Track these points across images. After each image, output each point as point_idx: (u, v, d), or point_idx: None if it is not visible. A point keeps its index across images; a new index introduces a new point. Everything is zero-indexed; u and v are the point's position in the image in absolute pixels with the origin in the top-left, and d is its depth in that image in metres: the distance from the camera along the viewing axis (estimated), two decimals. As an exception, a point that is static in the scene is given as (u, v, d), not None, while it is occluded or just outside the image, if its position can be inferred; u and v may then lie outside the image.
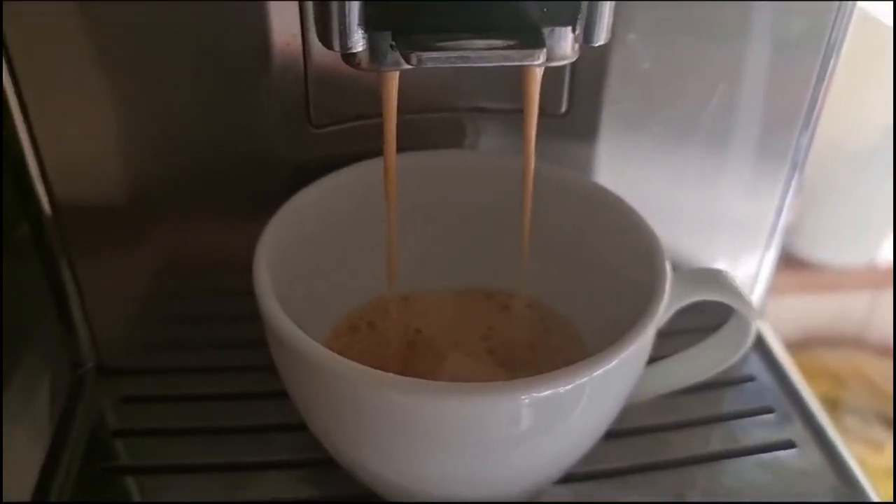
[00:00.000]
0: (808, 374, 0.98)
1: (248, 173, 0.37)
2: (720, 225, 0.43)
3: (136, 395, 0.41)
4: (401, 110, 0.37)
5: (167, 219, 0.38)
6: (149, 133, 0.36)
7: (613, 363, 0.29)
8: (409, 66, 0.27)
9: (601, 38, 0.28)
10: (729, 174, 0.41)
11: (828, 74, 0.38)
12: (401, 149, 0.37)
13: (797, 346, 0.99)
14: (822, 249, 0.86)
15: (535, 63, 0.27)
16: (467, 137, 0.39)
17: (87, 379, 0.41)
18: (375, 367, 0.36)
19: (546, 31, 0.28)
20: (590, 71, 0.36)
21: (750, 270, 0.45)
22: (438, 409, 0.29)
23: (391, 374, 0.28)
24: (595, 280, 0.38)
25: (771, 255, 0.44)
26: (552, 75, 0.36)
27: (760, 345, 0.45)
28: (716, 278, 0.34)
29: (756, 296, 0.46)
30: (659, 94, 0.37)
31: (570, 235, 0.38)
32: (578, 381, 0.29)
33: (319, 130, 0.37)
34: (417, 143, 0.38)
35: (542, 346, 0.39)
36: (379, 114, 0.32)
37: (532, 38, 0.28)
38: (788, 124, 0.39)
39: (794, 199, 0.42)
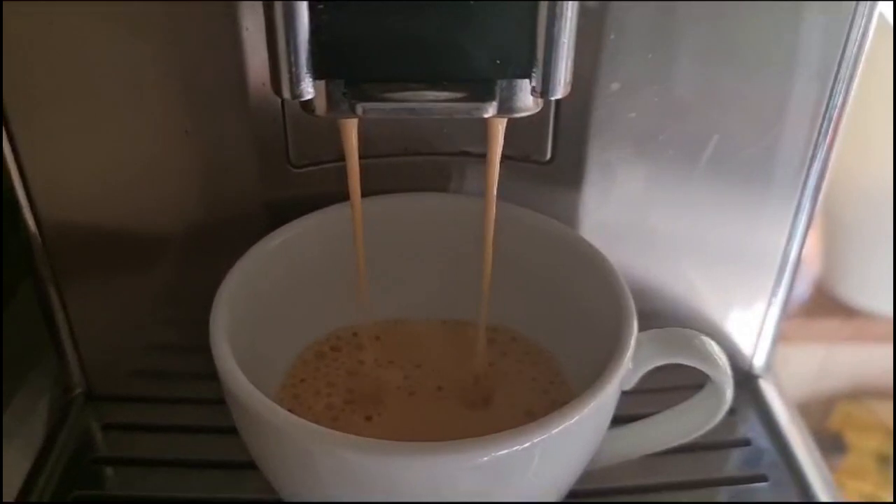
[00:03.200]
0: (861, 428, 0.94)
1: (228, 211, 0.37)
2: (718, 271, 0.41)
3: (118, 422, 0.41)
4: (386, 153, 0.37)
5: (154, 250, 0.39)
6: (133, 167, 0.36)
7: (563, 426, 0.28)
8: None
9: (558, 91, 0.27)
10: (727, 218, 0.39)
11: (835, 113, 0.36)
12: (385, 191, 0.38)
13: (849, 398, 0.95)
14: (872, 298, 0.82)
15: (484, 116, 0.27)
16: (452, 181, 0.39)
17: (75, 404, 0.42)
18: (342, 399, 0.36)
19: (503, 83, 0.28)
20: (574, 118, 0.35)
21: (755, 319, 0.42)
22: (386, 468, 0.28)
23: (338, 433, 0.28)
24: (575, 324, 0.37)
25: (778, 303, 0.42)
26: (536, 122, 0.35)
27: (761, 405, 0.42)
28: (689, 341, 0.32)
29: (762, 347, 0.43)
30: (648, 142, 0.36)
31: (551, 280, 0.37)
32: (533, 441, 0.28)
33: (299, 170, 0.37)
34: (402, 186, 0.38)
35: (524, 380, 0.38)
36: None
37: (482, 91, 0.27)
38: (791, 167, 0.37)
39: (801, 244, 0.40)
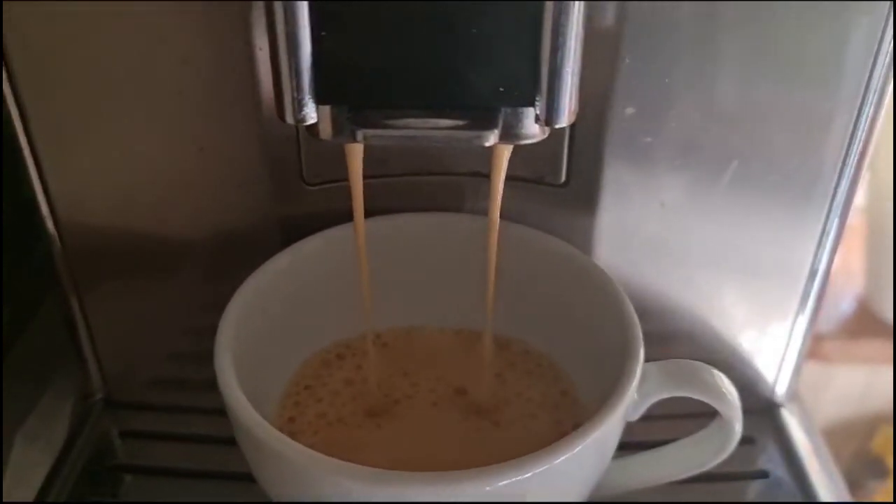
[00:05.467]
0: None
1: (243, 226, 0.38)
2: (738, 297, 0.40)
3: (135, 429, 0.42)
4: (399, 173, 0.37)
5: (172, 262, 0.39)
6: (151, 181, 0.37)
7: (565, 457, 0.28)
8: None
9: (563, 119, 0.27)
10: (747, 242, 0.38)
11: (863, 133, 0.35)
12: (398, 210, 0.38)
13: (889, 421, 0.92)
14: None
15: (485, 144, 0.26)
16: (466, 200, 0.38)
17: (94, 410, 0.43)
18: (344, 408, 0.37)
19: (507, 110, 0.27)
20: (589, 141, 0.35)
21: (777, 346, 0.41)
22: (383, 497, 0.28)
23: (335, 460, 0.28)
24: (585, 345, 0.36)
25: (802, 330, 0.40)
26: (551, 145, 0.35)
27: (781, 435, 0.41)
28: (697, 374, 0.31)
29: (784, 374, 0.42)
30: (665, 166, 0.35)
31: (561, 301, 0.37)
32: (534, 471, 0.28)
33: (312, 188, 0.37)
34: (416, 205, 0.38)
35: (534, 394, 0.38)
36: (371, 174, 0.32)
37: (484, 119, 0.27)
38: (814, 192, 0.36)
39: (827, 270, 0.39)
